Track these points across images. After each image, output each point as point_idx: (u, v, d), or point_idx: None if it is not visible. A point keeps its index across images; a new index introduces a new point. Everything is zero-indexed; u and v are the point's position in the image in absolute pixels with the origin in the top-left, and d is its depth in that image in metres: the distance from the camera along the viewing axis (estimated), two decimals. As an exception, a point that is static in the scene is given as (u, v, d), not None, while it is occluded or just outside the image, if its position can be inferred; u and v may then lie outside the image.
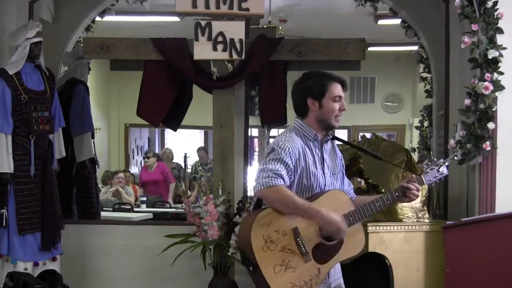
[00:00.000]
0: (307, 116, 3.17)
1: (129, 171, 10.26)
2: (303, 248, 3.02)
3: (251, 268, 3.04)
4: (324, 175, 3.16)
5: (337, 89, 3.15)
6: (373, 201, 3.19)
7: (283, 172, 3.03)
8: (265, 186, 3.01)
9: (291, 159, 3.06)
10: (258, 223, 3.01)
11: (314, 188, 3.12)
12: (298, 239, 3.02)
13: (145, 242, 5.23)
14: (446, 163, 3.29)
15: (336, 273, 3.23)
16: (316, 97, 3.13)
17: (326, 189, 3.16)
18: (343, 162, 3.36)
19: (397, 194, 3.20)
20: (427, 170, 3.27)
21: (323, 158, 3.18)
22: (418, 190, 3.20)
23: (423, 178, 3.24)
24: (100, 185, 7.64)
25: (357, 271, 3.86)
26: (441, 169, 3.27)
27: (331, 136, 3.24)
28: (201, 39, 4.82)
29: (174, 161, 10.27)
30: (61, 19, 6.01)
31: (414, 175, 3.27)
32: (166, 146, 10.63)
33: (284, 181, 3.03)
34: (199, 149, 10.47)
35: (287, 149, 3.06)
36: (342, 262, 3.25)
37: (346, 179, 3.39)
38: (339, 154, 3.34)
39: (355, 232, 3.16)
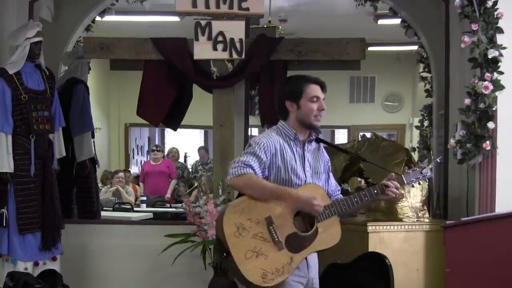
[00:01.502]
0: (288, 118, 3.25)
1: (129, 171, 10.28)
2: (276, 237, 3.05)
3: (224, 254, 3.09)
4: (304, 172, 3.21)
5: (314, 90, 3.22)
6: (350, 196, 3.23)
7: (254, 164, 3.09)
8: (234, 175, 3.08)
9: (266, 154, 3.13)
10: (231, 210, 3.08)
11: (293, 183, 3.17)
12: (271, 228, 3.06)
13: (145, 242, 5.23)
14: (430, 166, 3.33)
15: (315, 271, 3.26)
16: (293, 99, 3.22)
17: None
18: (329, 165, 3.41)
19: (375, 191, 3.24)
20: (409, 171, 3.33)
21: (304, 156, 3.23)
22: (396, 188, 3.23)
23: (403, 178, 3.28)
24: (99, 185, 7.65)
25: (357, 271, 3.87)
26: (424, 171, 3.30)
27: (314, 137, 3.29)
28: (201, 39, 4.82)
29: (179, 161, 10.32)
30: (61, 19, 6.00)
31: (394, 174, 3.30)
32: (172, 146, 10.66)
33: (254, 171, 3.09)
34: (199, 149, 10.51)
35: (261, 144, 3.14)
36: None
37: (333, 181, 3.43)
38: (325, 157, 3.38)
39: (330, 225, 3.18)
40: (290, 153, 3.18)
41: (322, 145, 3.38)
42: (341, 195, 3.42)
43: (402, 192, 4.39)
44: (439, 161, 3.52)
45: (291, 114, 3.23)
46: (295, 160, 3.19)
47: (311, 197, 3.09)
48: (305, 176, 3.21)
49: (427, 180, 3.40)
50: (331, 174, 3.42)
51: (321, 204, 3.11)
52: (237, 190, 3.17)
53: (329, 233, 3.17)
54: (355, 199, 3.21)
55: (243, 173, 3.07)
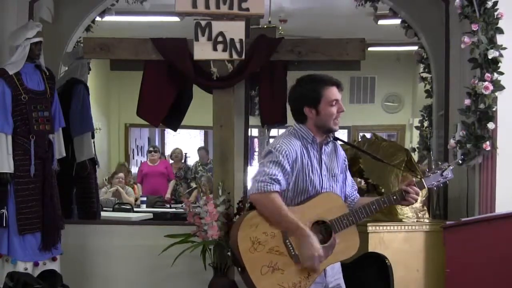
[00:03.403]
0: (305, 123, 3.16)
1: (130, 171, 10.27)
2: (292, 250, 3.00)
3: (239, 269, 3.04)
4: (321, 178, 3.13)
5: (332, 93, 3.12)
6: (369, 204, 3.16)
7: (280, 177, 3.01)
8: (259, 190, 2.99)
9: (288, 162, 3.04)
10: (246, 224, 3.01)
11: (309, 191, 3.10)
12: (287, 241, 3.00)
13: (145, 242, 5.23)
14: (451, 167, 3.24)
15: (334, 273, 3.20)
16: (312, 105, 3.11)
17: (322, 192, 3.13)
18: (346, 162, 3.32)
19: (394, 197, 3.17)
20: (429, 174, 3.24)
21: (321, 160, 3.16)
22: (417, 194, 3.16)
23: (423, 182, 3.20)
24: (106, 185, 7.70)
25: (357, 271, 3.86)
26: (445, 173, 3.22)
27: (331, 138, 3.21)
28: (201, 39, 4.82)
29: (182, 162, 10.34)
30: (61, 19, 5.99)
31: (414, 179, 3.23)
32: (177, 147, 10.68)
33: (280, 185, 3.01)
34: (199, 149, 10.50)
35: (284, 152, 3.04)
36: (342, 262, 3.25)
37: (350, 180, 3.34)
38: (342, 154, 3.29)
39: (349, 235, 3.13)
40: (307, 159, 3.10)
41: (338, 142, 3.29)
42: (358, 195, 3.35)
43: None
44: (460, 162, 3.43)
45: (309, 120, 3.13)
46: (313, 166, 3.10)
47: (316, 256, 2.98)
48: (322, 182, 3.12)
49: (448, 182, 3.31)
50: (348, 173, 3.33)
51: (317, 268, 3.01)
52: (255, 205, 3.07)
53: (347, 244, 3.11)
54: (374, 207, 3.14)
55: (269, 190, 2.97)
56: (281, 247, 3.00)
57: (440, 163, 3.30)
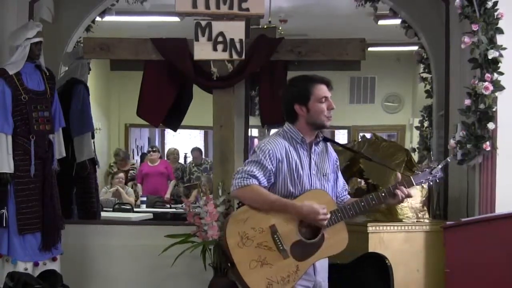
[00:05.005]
0: (297, 121, 3.20)
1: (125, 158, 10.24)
2: (280, 245, 3.04)
3: (229, 264, 3.08)
4: (311, 177, 3.17)
5: (322, 90, 3.17)
6: (357, 201, 3.20)
7: (258, 174, 3.07)
8: (237, 186, 3.07)
9: (271, 161, 3.09)
10: (234, 219, 3.07)
11: (299, 190, 3.14)
12: (275, 236, 3.04)
13: (145, 242, 5.23)
14: (440, 166, 3.26)
15: (323, 272, 3.24)
16: (302, 102, 3.16)
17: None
18: (337, 163, 3.37)
19: (383, 194, 3.19)
20: (418, 172, 3.27)
21: (311, 159, 3.19)
22: (405, 194, 3.16)
23: (412, 179, 3.22)
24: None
25: (357, 271, 3.87)
26: (434, 171, 3.24)
27: (321, 138, 3.25)
28: (201, 39, 4.82)
29: (179, 162, 10.33)
30: (61, 19, 6.00)
31: (400, 176, 3.24)
32: (174, 147, 10.69)
33: (258, 181, 3.07)
34: (193, 150, 10.51)
35: (267, 151, 3.10)
36: (330, 259, 3.26)
37: (341, 180, 3.39)
38: (333, 155, 3.34)
39: (337, 231, 3.16)
40: (296, 158, 3.14)
41: (329, 144, 3.34)
42: (348, 196, 3.39)
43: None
44: (449, 160, 3.45)
45: (300, 118, 3.18)
46: (302, 166, 3.15)
47: (316, 211, 3.03)
48: (312, 181, 3.17)
49: (438, 181, 3.32)
50: (339, 174, 3.37)
51: (327, 216, 3.06)
52: (241, 201, 3.13)
53: (336, 240, 3.15)
54: (362, 204, 3.17)
55: (246, 184, 3.05)
56: (269, 242, 3.04)
57: (420, 164, 3.32)
